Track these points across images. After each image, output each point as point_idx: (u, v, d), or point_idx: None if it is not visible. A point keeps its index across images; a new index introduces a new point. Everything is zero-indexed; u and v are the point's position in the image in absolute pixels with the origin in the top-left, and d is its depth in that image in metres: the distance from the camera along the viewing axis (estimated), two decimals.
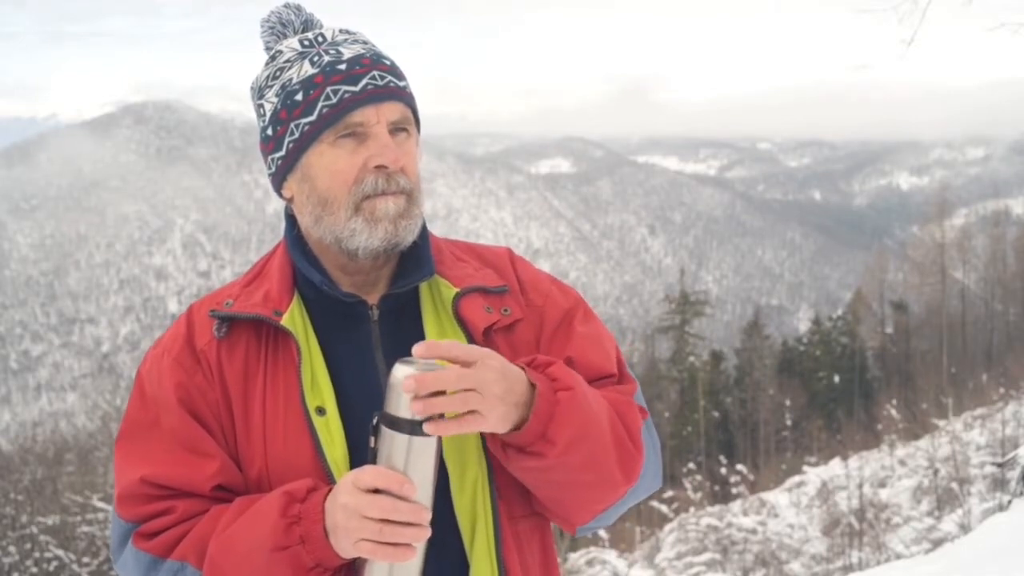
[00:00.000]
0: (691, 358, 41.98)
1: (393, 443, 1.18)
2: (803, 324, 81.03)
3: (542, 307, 1.49)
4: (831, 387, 41.24)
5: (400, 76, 1.38)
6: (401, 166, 1.34)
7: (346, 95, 1.32)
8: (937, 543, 11.80)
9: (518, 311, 1.45)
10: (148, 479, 1.32)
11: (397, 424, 1.17)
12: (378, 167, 1.33)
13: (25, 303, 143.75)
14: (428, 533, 1.18)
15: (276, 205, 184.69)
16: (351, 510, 1.16)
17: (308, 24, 1.43)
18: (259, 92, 1.41)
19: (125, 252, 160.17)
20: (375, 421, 1.20)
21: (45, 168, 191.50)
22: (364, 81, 1.33)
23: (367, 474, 1.17)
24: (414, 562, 1.20)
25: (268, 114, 1.38)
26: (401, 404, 1.17)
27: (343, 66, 1.33)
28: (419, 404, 1.15)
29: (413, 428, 1.17)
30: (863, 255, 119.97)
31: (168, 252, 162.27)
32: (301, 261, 1.41)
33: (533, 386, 1.26)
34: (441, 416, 1.17)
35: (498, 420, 1.21)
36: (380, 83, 1.34)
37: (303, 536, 1.21)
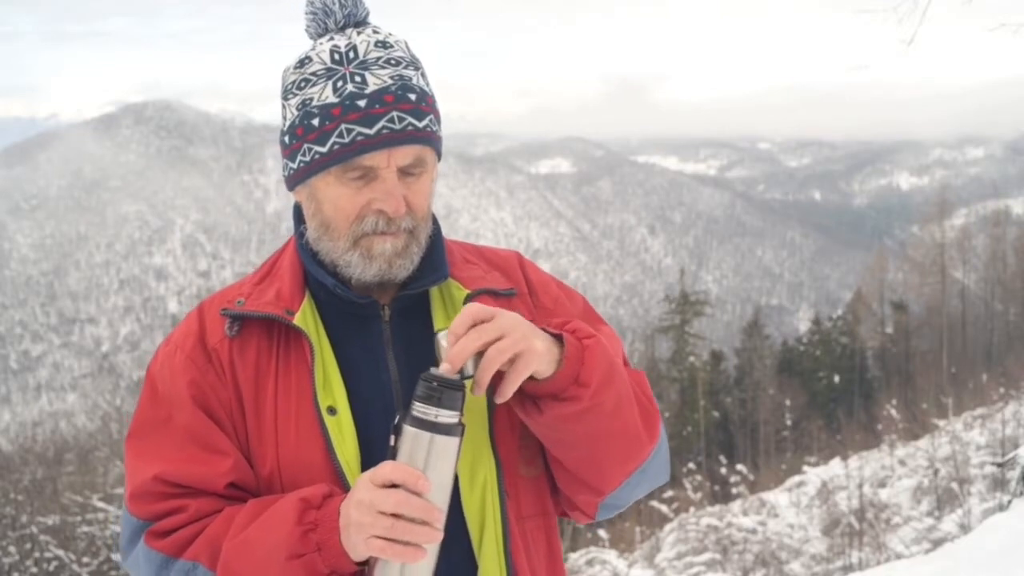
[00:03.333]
0: (691, 358, 41.95)
1: (415, 442, 1.19)
2: (803, 324, 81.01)
3: (552, 311, 1.50)
4: (831, 387, 41.23)
5: (422, 114, 1.34)
6: (403, 212, 1.34)
7: (359, 137, 1.30)
8: (937, 543, 11.79)
9: (526, 314, 1.44)
10: (161, 477, 1.32)
11: (421, 423, 1.19)
12: (380, 211, 1.34)
13: (25, 303, 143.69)
14: (440, 536, 1.18)
15: (276, 205, 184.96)
16: (365, 505, 1.17)
17: (350, 18, 1.39)
18: (284, 92, 1.40)
19: (125, 252, 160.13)
20: (396, 420, 1.22)
21: (45, 168, 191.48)
22: (380, 124, 1.30)
23: (384, 468, 1.18)
24: (425, 564, 1.19)
25: (288, 121, 1.38)
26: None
27: (363, 102, 1.31)
28: (468, 365, 1.22)
29: (436, 427, 1.19)
30: (863, 255, 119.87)
31: (168, 252, 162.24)
32: (311, 263, 1.41)
33: (556, 338, 1.31)
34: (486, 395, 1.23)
35: (544, 352, 1.26)
36: (397, 127, 1.31)
37: (319, 544, 1.21)
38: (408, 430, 1.19)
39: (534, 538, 1.42)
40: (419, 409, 1.19)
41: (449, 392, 1.20)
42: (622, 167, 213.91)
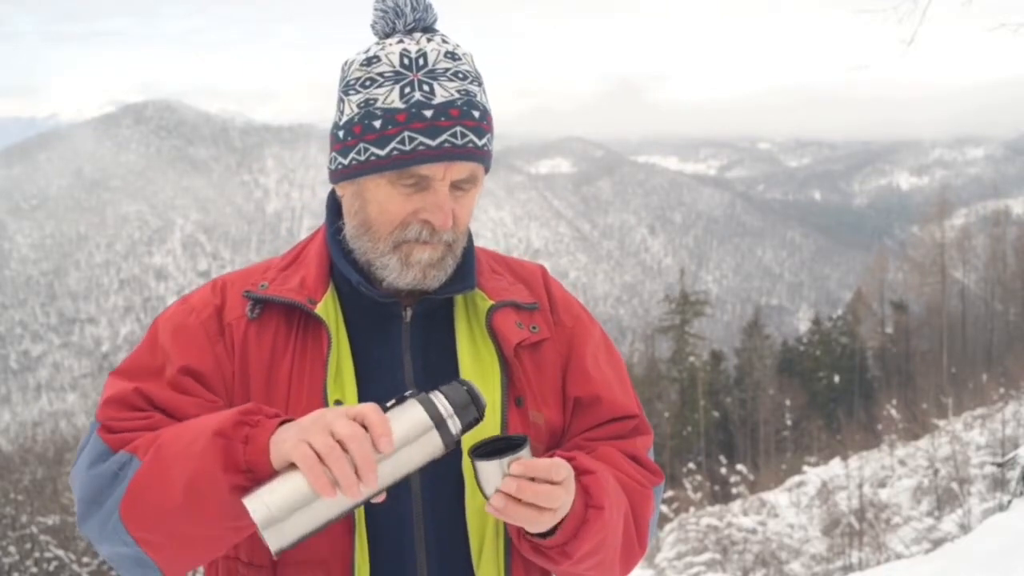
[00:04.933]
0: (691, 358, 41.94)
1: (411, 419, 1.15)
2: (803, 324, 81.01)
3: (571, 329, 1.51)
4: (831, 387, 41.22)
5: (482, 132, 1.34)
6: (450, 227, 1.34)
7: (420, 147, 1.30)
8: (937, 543, 11.79)
9: (546, 330, 1.47)
10: (142, 390, 1.33)
11: (431, 409, 1.16)
12: (426, 221, 1.34)
13: (25, 303, 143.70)
14: (355, 499, 1.11)
15: (276, 205, 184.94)
16: (324, 420, 1.12)
17: (419, 23, 1.38)
18: (345, 86, 1.38)
19: (125, 252, 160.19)
20: (408, 393, 1.18)
21: (45, 168, 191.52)
22: (443, 137, 1.30)
23: (366, 407, 1.14)
24: (323, 507, 1.11)
25: (345, 116, 1.36)
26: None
27: (429, 112, 1.30)
28: (513, 483, 1.17)
29: (440, 424, 1.15)
30: (863, 255, 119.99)
31: (168, 252, 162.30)
32: (339, 258, 1.41)
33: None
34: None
35: (540, 529, 1.25)
36: (458, 142, 1.31)
37: (248, 437, 1.17)
38: (414, 406, 1.16)
39: None
40: (438, 399, 1.16)
41: (471, 409, 1.18)
42: (622, 167, 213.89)
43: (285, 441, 1.12)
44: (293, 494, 1.10)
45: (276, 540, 1.09)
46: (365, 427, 1.11)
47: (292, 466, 1.11)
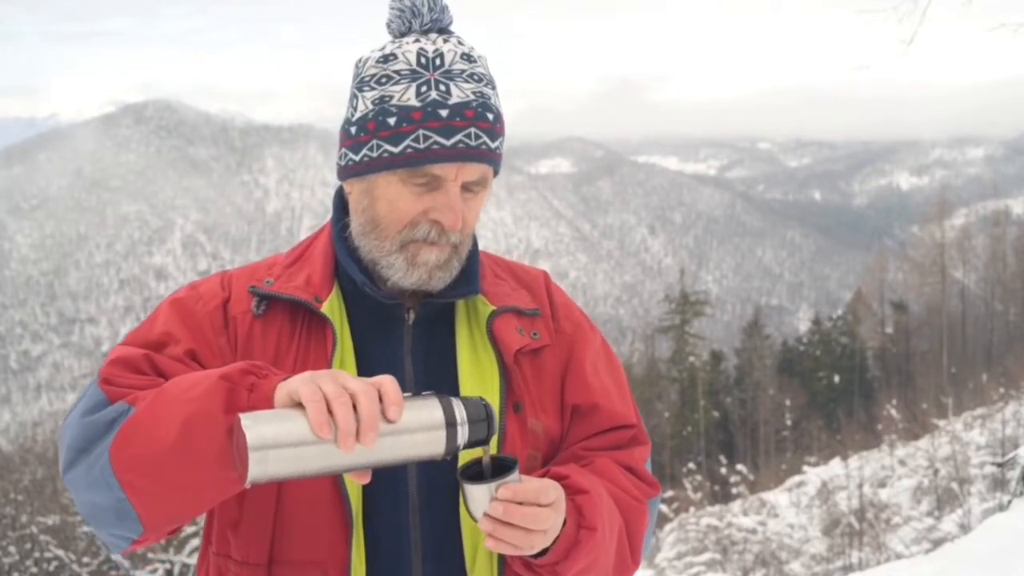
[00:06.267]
0: (691, 358, 41.96)
1: (426, 411, 1.14)
2: (803, 324, 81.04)
3: (571, 336, 1.50)
4: (831, 387, 41.23)
5: (495, 135, 1.35)
6: (459, 227, 1.34)
7: (435, 146, 1.30)
8: (937, 543, 11.79)
9: (547, 337, 1.46)
10: (151, 358, 1.32)
11: (447, 411, 1.15)
12: (436, 221, 1.34)
13: (25, 303, 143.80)
14: (351, 448, 1.07)
15: (276, 205, 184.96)
16: (341, 375, 1.11)
17: (436, 23, 1.38)
18: (359, 82, 1.37)
19: (125, 252, 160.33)
20: (427, 392, 1.18)
21: (45, 168, 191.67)
22: (457, 137, 1.30)
23: (383, 378, 1.12)
24: (309, 454, 1.08)
25: (358, 112, 1.36)
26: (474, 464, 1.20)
27: (444, 112, 1.30)
28: (500, 507, 1.16)
29: (450, 426, 1.15)
30: (863, 255, 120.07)
31: (168, 252, 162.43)
32: (344, 256, 1.41)
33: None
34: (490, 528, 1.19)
35: (531, 551, 1.24)
36: (472, 143, 1.31)
37: (254, 385, 1.16)
38: (432, 402, 1.15)
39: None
40: (456, 405, 1.16)
41: (483, 427, 1.17)
42: (622, 167, 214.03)
43: (294, 382, 1.11)
44: (288, 427, 1.07)
45: (257, 467, 1.05)
46: (380, 392, 1.11)
47: (296, 407, 1.10)
